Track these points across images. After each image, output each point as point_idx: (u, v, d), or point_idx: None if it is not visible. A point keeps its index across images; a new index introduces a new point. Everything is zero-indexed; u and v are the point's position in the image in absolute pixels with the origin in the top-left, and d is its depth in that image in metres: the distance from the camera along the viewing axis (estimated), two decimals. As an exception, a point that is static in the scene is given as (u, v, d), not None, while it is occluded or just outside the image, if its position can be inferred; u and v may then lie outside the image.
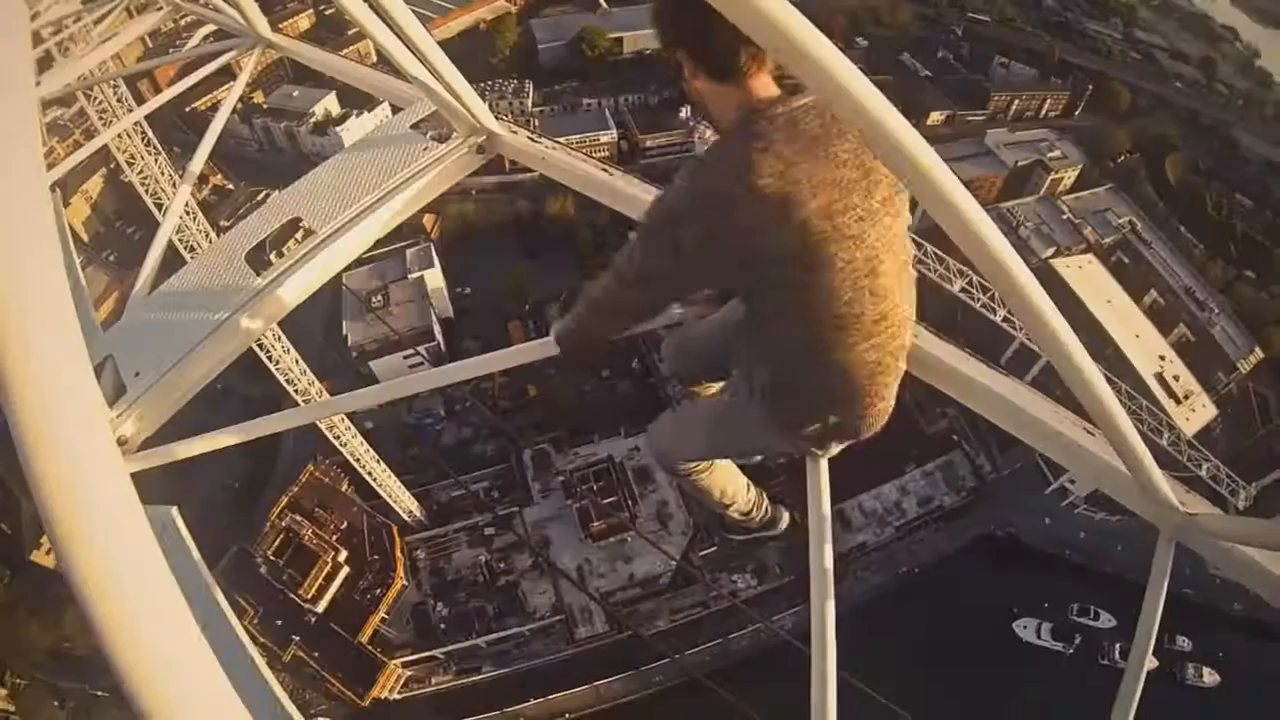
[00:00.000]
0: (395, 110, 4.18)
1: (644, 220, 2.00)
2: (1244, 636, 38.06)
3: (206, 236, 27.25)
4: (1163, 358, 43.17)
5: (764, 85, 1.91)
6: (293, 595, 34.58)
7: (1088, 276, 46.05)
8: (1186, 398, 41.65)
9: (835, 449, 2.69)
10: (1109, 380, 2.00)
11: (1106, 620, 38.93)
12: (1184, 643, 38.03)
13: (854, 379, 2.12)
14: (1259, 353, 46.29)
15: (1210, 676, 37.50)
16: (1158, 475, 2.34)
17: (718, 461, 3.15)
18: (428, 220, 50.95)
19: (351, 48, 53.77)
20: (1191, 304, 47.90)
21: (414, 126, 3.90)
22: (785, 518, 3.63)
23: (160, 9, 7.03)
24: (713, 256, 1.90)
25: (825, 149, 1.81)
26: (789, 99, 1.87)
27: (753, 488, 3.50)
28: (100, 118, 25.22)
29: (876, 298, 1.97)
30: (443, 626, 37.80)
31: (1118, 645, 37.79)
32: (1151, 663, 2.45)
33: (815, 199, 1.78)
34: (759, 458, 3.25)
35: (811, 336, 2.02)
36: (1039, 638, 38.88)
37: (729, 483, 3.30)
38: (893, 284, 2.04)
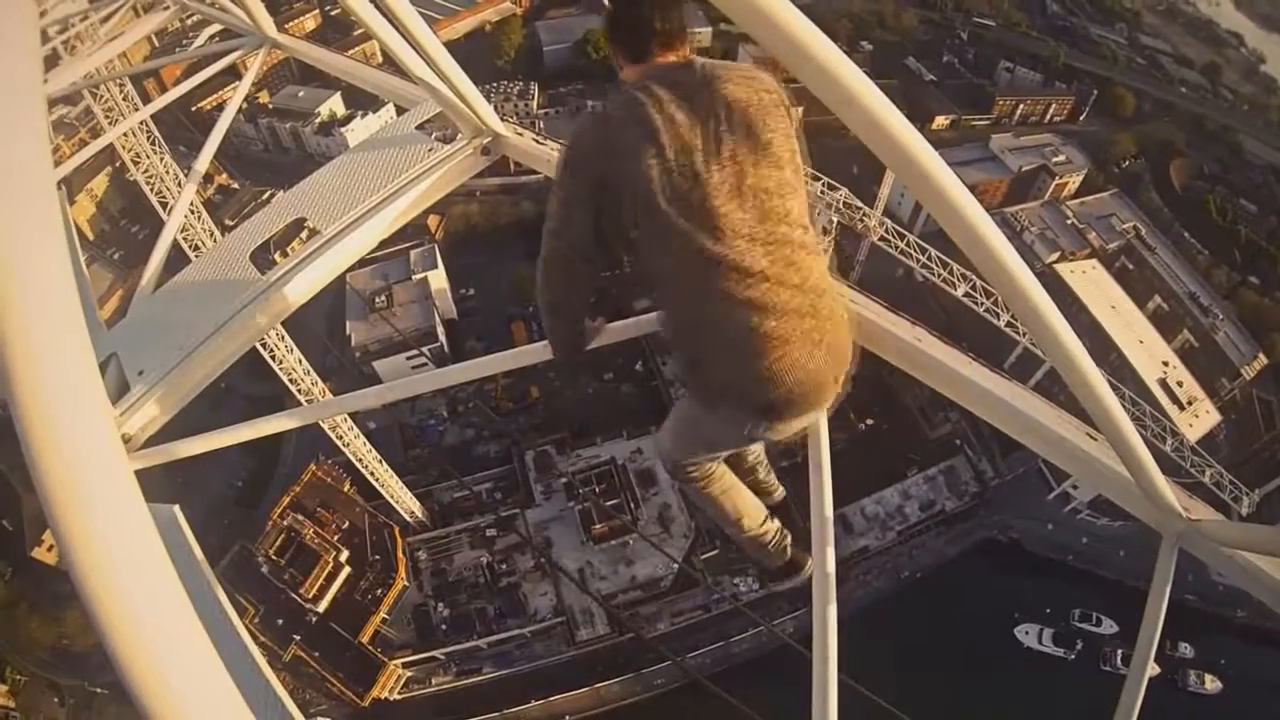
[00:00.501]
0: (400, 111, 4.19)
1: (559, 159, 2.31)
2: (1246, 644, 37.95)
3: (211, 235, 27.30)
4: (1166, 363, 43.10)
5: (663, 58, 2.27)
6: (294, 595, 34.60)
7: (1092, 281, 46.01)
8: (1190, 403, 41.57)
9: (780, 431, 2.50)
10: (1112, 386, 2.01)
11: (1108, 626, 38.83)
12: (1186, 649, 37.92)
13: (730, 338, 2.16)
14: (1263, 359, 46.17)
15: (1212, 683, 37.39)
16: (1161, 481, 2.34)
17: (725, 477, 3.13)
18: (432, 221, 51.01)
19: (357, 48, 53.88)
20: (1195, 309, 47.79)
21: (419, 127, 3.91)
22: (809, 566, 3.30)
23: (167, 8, 7.05)
24: (605, 182, 2.17)
25: (691, 98, 2.10)
26: (668, 63, 2.25)
27: (772, 519, 3.41)
28: (106, 116, 25.35)
29: (722, 243, 2.08)
30: (444, 627, 37.78)
31: (1119, 651, 37.68)
32: (1153, 669, 2.44)
33: (672, 134, 2.06)
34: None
35: (681, 293, 2.22)
36: (1040, 643, 38.79)
37: (736, 499, 3.22)
38: (746, 237, 2.11)
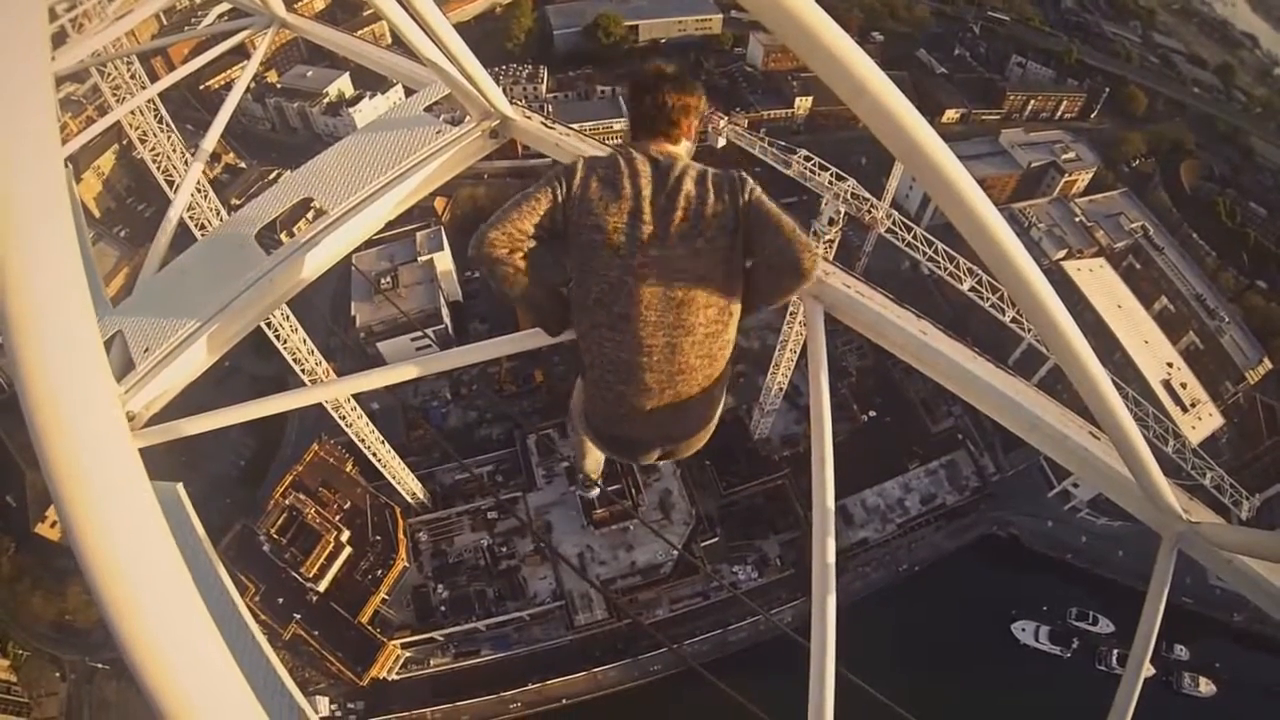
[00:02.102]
0: (409, 93, 4.17)
1: (545, 177, 2.58)
2: (1242, 648, 38.06)
3: (218, 214, 27.30)
4: (1171, 365, 43.00)
5: (658, 146, 2.62)
6: (295, 574, 34.81)
7: (1098, 280, 45.88)
8: (1193, 406, 41.48)
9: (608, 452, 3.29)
10: (1115, 385, 2.00)
11: (1105, 626, 38.93)
12: (1182, 651, 38.00)
13: (599, 376, 2.66)
14: (1268, 363, 45.97)
15: (1207, 686, 37.46)
16: (1162, 482, 2.34)
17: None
18: (439, 203, 50.95)
19: (366, 29, 53.75)
20: (1202, 312, 47.59)
21: (428, 109, 3.89)
22: (593, 491, 5.44)
23: (177, -15, 7.02)
24: (568, 206, 2.50)
25: (659, 183, 2.48)
26: (660, 149, 2.60)
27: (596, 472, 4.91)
28: (114, 94, 25.29)
29: (633, 310, 2.49)
30: (443, 609, 38.00)
31: (1115, 651, 37.81)
32: (1149, 670, 2.45)
33: (633, 204, 2.44)
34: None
35: (589, 325, 2.59)
36: (1037, 640, 38.90)
37: (586, 452, 4.30)
38: (641, 327, 2.51)
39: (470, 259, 2.53)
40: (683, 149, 2.67)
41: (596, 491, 5.40)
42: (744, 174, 2.55)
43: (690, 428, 2.83)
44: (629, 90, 2.75)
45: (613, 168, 2.50)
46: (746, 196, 2.48)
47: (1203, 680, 37.54)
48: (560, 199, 2.50)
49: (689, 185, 2.47)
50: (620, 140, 2.79)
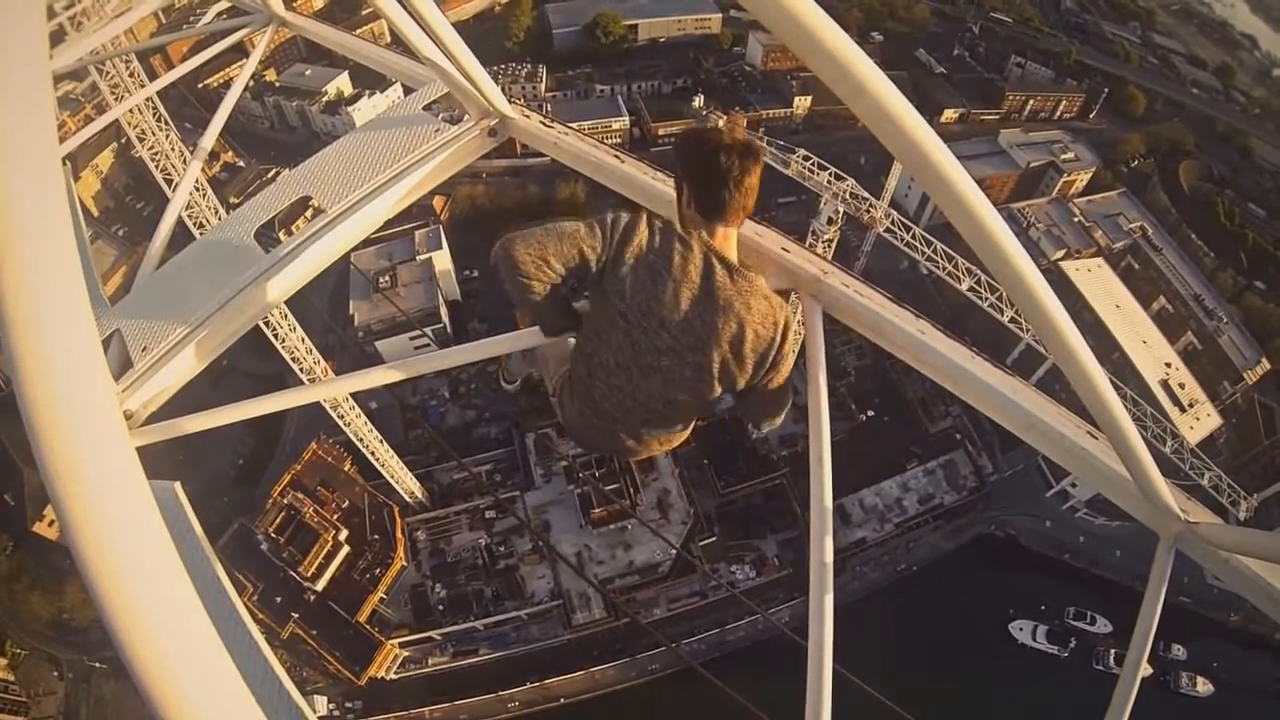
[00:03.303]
0: (408, 91, 4.17)
1: (597, 219, 2.48)
2: (1239, 647, 38.12)
3: (216, 213, 27.24)
4: (1169, 365, 43.04)
5: (725, 227, 2.49)
6: (293, 573, 34.77)
7: (1096, 280, 45.92)
8: (1191, 406, 41.53)
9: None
10: (1114, 385, 2.01)
11: (1103, 625, 38.99)
12: (1179, 651, 38.06)
13: (585, 394, 2.75)
14: (1266, 364, 46.03)
15: (1204, 686, 37.54)
16: (1160, 482, 2.34)
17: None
18: (437, 202, 50.96)
19: (365, 27, 53.74)
20: (1200, 312, 47.65)
21: (426, 108, 3.89)
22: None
23: (175, -17, 7.01)
24: (605, 259, 2.44)
25: (707, 286, 2.41)
26: (724, 242, 2.50)
27: None
28: (112, 92, 25.22)
29: (611, 385, 2.62)
30: (441, 608, 37.99)
31: (1113, 651, 37.86)
32: (1146, 670, 2.45)
33: (673, 291, 2.39)
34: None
35: (592, 357, 2.63)
36: (1034, 640, 38.95)
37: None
38: (631, 397, 2.63)
39: (491, 257, 2.48)
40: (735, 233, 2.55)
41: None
42: (789, 315, 2.58)
43: (658, 443, 2.91)
44: (692, 154, 2.46)
45: (665, 255, 2.40)
46: (781, 349, 2.57)
47: (1200, 680, 37.62)
48: (600, 258, 2.43)
49: (736, 317, 2.42)
50: (673, 195, 2.60)
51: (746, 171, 2.36)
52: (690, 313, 2.41)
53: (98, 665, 35.72)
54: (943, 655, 35.77)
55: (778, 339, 2.53)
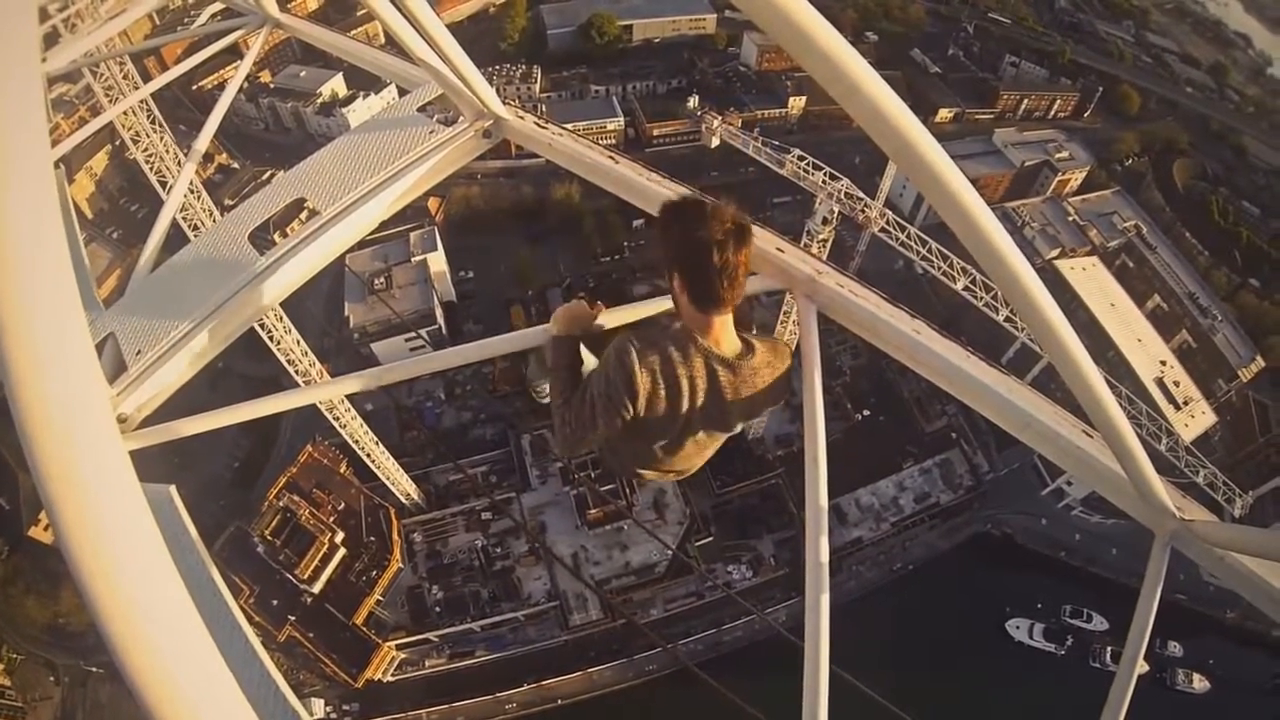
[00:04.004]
0: (402, 93, 4.17)
1: (611, 377, 2.55)
2: (1235, 644, 38.21)
3: (210, 215, 27.20)
4: (1164, 363, 43.16)
5: (720, 317, 2.52)
6: (289, 575, 34.69)
7: (1091, 279, 46.02)
8: (1186, 404, 41.65)
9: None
10: (1109, 383, 2.01)
11: (1099, 623, 39.08)
12: (1175, 648, 38.18)
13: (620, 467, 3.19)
14: (1260, 361, 46.17)
15: (1200, 683, 37.65)
16: (1155, 480, 2.35)
17: None
18: (432, 203, 50.88)
19: (359, 29, 53.67)
20: (1194, 310, 47.79)
21: (421, 109, 3.89)
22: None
23: (169, -15, 7.00)
24: (628, 418, 2.57)
25: (716, 385, 2.55)
26: (725, 340, 2.57)
27: None
28: (106, 94, 25.18)
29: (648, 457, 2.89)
30: (438, 610, 37.94)
31: (1109, 648, 37.98)
32: (1142, 667, 2.46)
33: (689, 401, 2.55)
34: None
35: (630, 451, 2.93)
36: (1031, 638, 39.03)
37: None
38: (667, 461, 2.91)
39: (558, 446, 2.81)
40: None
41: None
42: (789, 360, 2.77)
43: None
44: (682, 245, 2.40)
45: (670, 365, 2.50)
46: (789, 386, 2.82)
47: (1196, 677, 37.73)
48: (627, 417, 2.55)
49: (747, 399, 2.61)
50: (661, 274, 2.60)
51: (741, 262, 2.35)
52: (709, 409, 2.59)
53: (94, 670, 35.60)
54: (940, 654, 35.81)
55: (785, 387, 2.74)
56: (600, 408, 2.54)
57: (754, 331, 2.76)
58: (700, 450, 2.89)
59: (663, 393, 2.49)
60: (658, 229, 2.49)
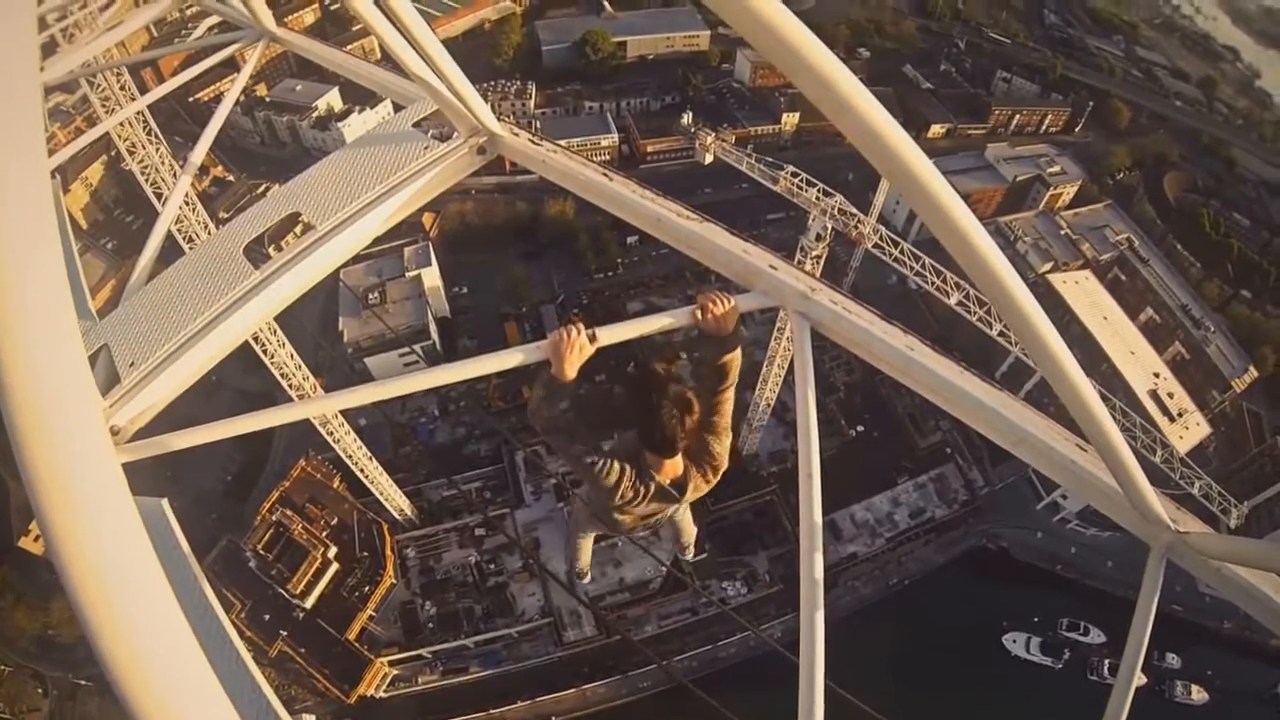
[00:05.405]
0: (398, 108, 4.18)
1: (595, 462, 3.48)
2: (1233, 655, 38.16)
3: (206, 228, 27.22)
4: (1157, 375, 43.29)
5: (664, 465, 3.51)
6: (281, 590, 34.41)
7: (1084, 292, 46.20)
8: (1180, 415, 41.76)
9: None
10: (1102, 396, 2.02)
11: (1096, 636, 39.00)
12: (1173, 660, 38.11)
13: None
14: (1253, 372, 46.43)
15: (1199, 694, 37.58)
16: (1149, 492, 2.35)
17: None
18: (427, 219, 50.90)
19: (356, 44, 53.92)
20: (1187, 322, 48.02)
21: (416, 125, 3.90)
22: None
23: (166, -1, 7.00)
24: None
25: (649, 506, 3.70)
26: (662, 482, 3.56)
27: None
28: (103, 105, 25.22)
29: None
30: (431, 626, 37.70)
31: (1107, 661, 37.90)
32: (1140, 679, 2.46)
33: (642, 508, 3.70)
34: None
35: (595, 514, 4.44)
36: (1028, 652, 38.92)
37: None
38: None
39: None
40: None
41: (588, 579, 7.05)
42: (723, 463, 3.64)
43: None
44: (638, 408, 3.24)
45: (637, 491, 3.51)
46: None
47: (1195, 688, 37.67)
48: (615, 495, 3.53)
49: (685, 504, 3.98)
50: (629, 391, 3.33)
51: (683, 424, 3.15)
52: (659, 512, 3.87)
53: (83, 683, 35.29)
54: (936, 669, 35.66)
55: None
56: (579, 468, 3.47)
57: (741, 330, 3.27)
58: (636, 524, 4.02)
59: (630, 496, 3.52)
60: (626, 389, 3.39)
